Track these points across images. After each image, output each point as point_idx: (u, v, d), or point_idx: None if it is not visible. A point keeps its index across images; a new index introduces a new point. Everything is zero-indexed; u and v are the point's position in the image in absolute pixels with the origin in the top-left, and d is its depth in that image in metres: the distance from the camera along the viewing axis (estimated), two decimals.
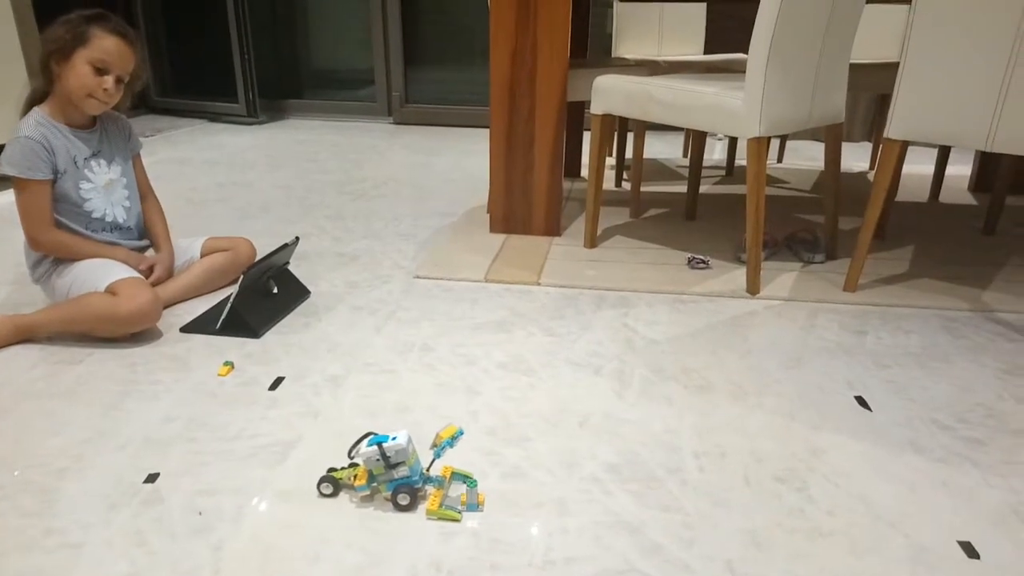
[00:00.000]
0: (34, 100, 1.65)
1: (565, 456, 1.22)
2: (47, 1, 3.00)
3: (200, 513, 1.08)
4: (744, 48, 1.75)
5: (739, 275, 1.98)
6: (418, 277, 1.99)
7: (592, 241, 2.24)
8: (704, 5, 3.26)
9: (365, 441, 1.11)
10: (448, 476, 1.13)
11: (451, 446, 1.12)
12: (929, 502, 1.12)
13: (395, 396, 1.41)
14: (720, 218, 2.54)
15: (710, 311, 1.80)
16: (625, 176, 3.04)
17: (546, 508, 1.10)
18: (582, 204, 2.69)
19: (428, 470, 1.13)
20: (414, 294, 1.90)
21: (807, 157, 3.65)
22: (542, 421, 1.33)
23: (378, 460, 1.08)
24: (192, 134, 4.08)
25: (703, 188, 2.62)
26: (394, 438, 1.09)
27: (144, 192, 1.83)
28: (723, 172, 3.28)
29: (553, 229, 2.35)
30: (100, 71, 1.59)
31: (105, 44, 1.58)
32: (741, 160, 3.44)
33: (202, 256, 1.86)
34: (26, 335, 1.59)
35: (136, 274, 1.66)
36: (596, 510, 1.10)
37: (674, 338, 1.66)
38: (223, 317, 1.64)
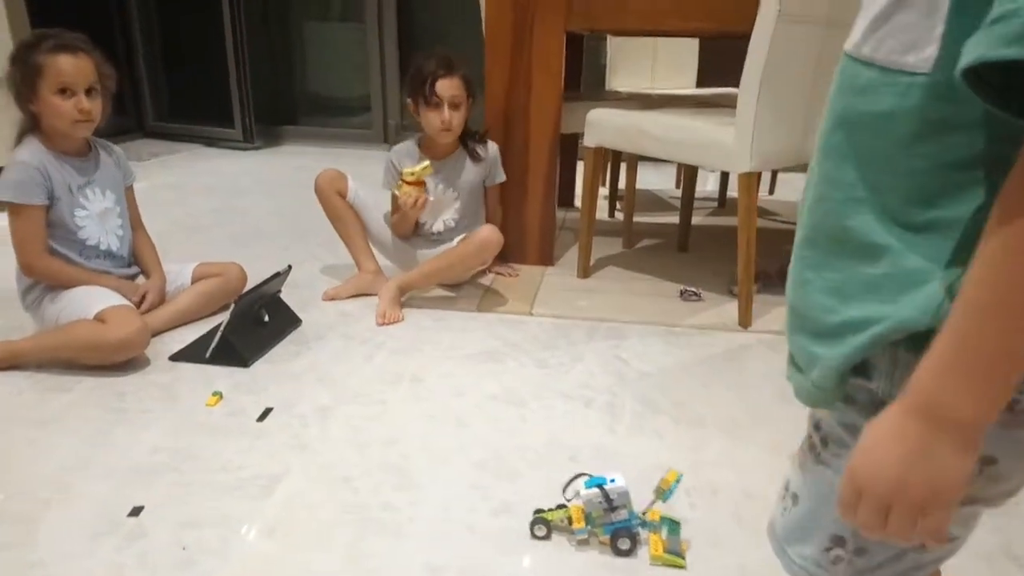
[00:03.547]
0: (27, 130, 1.65)
1: (556, 491, 1.20)
2: (43, 15, 3.03)
3: (184, 548, 1.06)
4: (737, 82, 1.77)
5: (731, 308, 1.98)
6: (410, 307, 1.98)
7: (585, 271, 2.25)
8: (697, 40, 3.31)
9: (580, 482, 1.09)
10: (657, 520, 1.10)
11: (674, 491, 1.09)
12: None
13: (384, 428, 1.40)
14: (712, 250, 2.55)
15: (702, 344, 1.80)
16: (618, 206, 3.06)
17: (535, 545, 1.09)
18: (575, 234, 2.69)
19: (644, 514, 1.10)
20: (405, 323, 1.89)
21: (799, 189, 3.68)
22: (533, 454, 1.32)
23: (600, 502, 1.06)
24: (188, 159, 4.09)
25: (695, 219, 2.63)
26: (612, 480, 1.07)
27: (134, 224, 1.83)
28: (715, 203, 3.30)
29: (546, 259, 2.35)
30: (67, 93, 1.57)
31: (58, 66, 1.56)
32: (733, 192, 3.46)
33: (193, 282, 1.86)
34: (14, 361, 1.58)
35: (125, 302, 1.65)
36: (586, 549, 1.08)
37: (666, 371, 1.66)
38: (213, 346, 1.63)
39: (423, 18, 4.51)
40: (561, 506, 1.12)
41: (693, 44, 3.34)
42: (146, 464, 1.26)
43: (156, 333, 1.72)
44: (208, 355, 1.63)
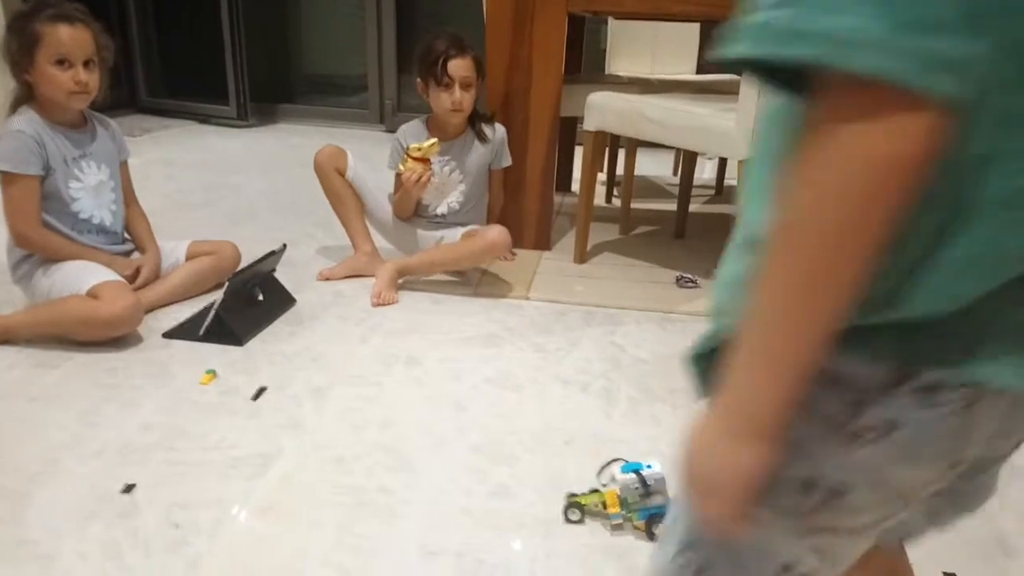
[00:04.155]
0: (21, 100, 1.62)
1: (552, 475, 1.20)
2: None
3: (177, 526, 1.05)
4: (737, 69, 1.76)
5: None
6: (406, 288, 1.97)
7: (582, 257, 2.24)
8: (698, 25, 3.28)
9: (616, 466, 1.08)
10: None
11: None
12: None
13: (380, 410, 1.39)
14: (709, 237, 2.54)
15: (698, 331, 1.79)
16: (615, 192, 3.05)
17: (531, 529, 1.08)
18: (572, 219, 2.68)
19: None
20: (402, 305, 1.88)
21: None
22: (529, 439, 1.31)
23: (636, 488, 1.05)
24: (181, 135, 4.04)
25: (692, 206, 2.62)
26: (649, 466, 1.06)
27: (128, 199, 1.80)
28: (712, 191, 3.29)
29: (543, 243, 2.34)
30: (65, 64, 1.54)
31: (57, 36, 1.53)
32: (731, 179, 3.45)
33: (187, 260, 1.84)
34: (4, 336, 1.56)
35: (118, 278, 1.63)
36: (582, 533, 1.08)
37: (662, 358, 1.65)
38: (207, 323, 1.61)
39: None
40: (594, 491, 1.11)
41: (694, 29, 3.31)
42: (138, 442, 1.25)
43: (149, 310, 1.70)
44: (202, 333, 1.61)
